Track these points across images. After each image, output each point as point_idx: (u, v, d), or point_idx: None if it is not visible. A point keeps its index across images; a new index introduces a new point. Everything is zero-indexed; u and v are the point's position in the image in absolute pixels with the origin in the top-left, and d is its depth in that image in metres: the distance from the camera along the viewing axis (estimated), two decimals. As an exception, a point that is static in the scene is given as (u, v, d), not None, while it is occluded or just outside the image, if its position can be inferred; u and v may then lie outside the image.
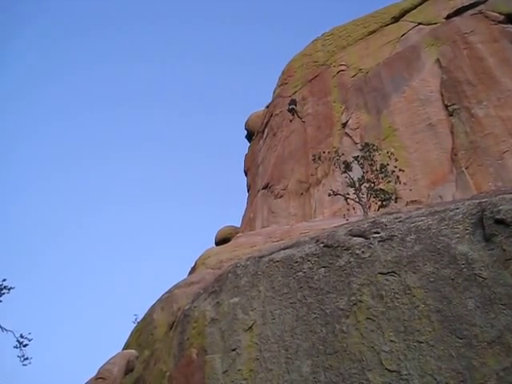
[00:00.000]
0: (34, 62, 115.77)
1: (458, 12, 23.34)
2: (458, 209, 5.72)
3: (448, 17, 23.84)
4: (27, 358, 18.48)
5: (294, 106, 28.08)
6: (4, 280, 18.39)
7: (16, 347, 18.32)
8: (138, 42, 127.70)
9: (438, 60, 22.11)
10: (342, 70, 27.63)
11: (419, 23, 25.70)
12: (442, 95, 20.84)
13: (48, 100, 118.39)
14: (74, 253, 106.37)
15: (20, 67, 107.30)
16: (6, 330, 18.09)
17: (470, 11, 22.70)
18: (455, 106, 20.00)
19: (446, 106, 20.41)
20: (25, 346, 18.37)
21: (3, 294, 18.11)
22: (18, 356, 18.34)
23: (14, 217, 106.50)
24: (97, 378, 14.70)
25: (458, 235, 5.34)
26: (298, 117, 27.62)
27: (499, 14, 21.38)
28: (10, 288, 18.46)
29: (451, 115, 19.98)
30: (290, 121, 28.08)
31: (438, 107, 20.83)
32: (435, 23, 24.47)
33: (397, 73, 23.80)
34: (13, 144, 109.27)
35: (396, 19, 27.81)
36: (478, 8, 22.45)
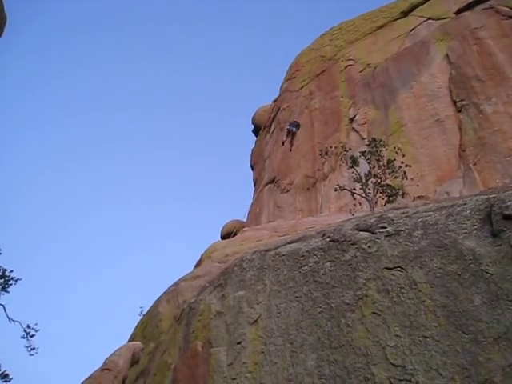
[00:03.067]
0: (33, 62, 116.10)
1: (469, 7, 23.09)
2: (465, 204, 5.69)
3: (458, 11, 23.60)
4: (34, 348, 18.75)
5: (295, 130, 26.13)
6: (11, 271, 18.61)
7: (23, 337, 18.56)
8: (143, 41, 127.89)
9: (446, 55, 21.92)
10: (350, 65, 27.50)
11: (428, 18, 25.48)
12: (451, 91, 20.69)
13: (50, 98, 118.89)
14: (81, 245, 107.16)
15: (18, 67, 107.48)
16: (14, 321, 18.33)
17: (481, 6, 22.43)
18: (464, 102, 19.85)
19: (455, 102, 20.26)
20: (32, 336, 18.61)
21: (10, 285, 18.32)
22: (25, 346, 18.59)
23: (21, 207, 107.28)
24: (102, 369, 14.84)
25: (466, 231, 5.31)
26: (290, 142, 26.48)
27: (510, 8, 21.14)
28: (17, 279, 18.69)
29: (459, 111, 19.84)
30: (282, 143, 26.76)
31: (446, 103, 20.69)
32: (445, 18, 24.25)
33: (405, 68, 23.65)
34: (20, 138, 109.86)
35: (405, 14, 27.59)
36: (489, 3, 22.18)
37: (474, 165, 17.80)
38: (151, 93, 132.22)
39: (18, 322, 18.58)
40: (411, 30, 25.77)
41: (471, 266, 5.02)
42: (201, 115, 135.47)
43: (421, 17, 26.14)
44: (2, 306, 18.17)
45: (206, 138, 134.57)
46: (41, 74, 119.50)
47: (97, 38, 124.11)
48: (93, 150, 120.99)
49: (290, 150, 26.21)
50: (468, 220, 5.41)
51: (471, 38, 21.33)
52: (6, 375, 17.77)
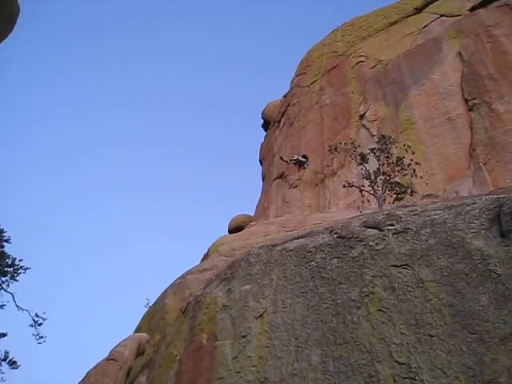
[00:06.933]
0: (35, 58, 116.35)
1: (483, 4, 22.82)
2: (474, 204, 5.66)
3: (472, 9, 23.34)
4: (42, 337, 18.95)
5: (306, 164, 25.27)
6: (20, 260, 18.79)
7: (31, 326, 18.77)
8: (155, 39, 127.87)
9: (459, 53, 21.71)
10: (362, 61, 27.34)
11: (442, 15, 25.22)
12: (463, 89, 20.51)
13: (59, 94, 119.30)
14: (89, 237, 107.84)
15: (21, 63, 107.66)
16: (22, 309, 18.54)
17: (496, 3, 22.15)
18: (475, 101, 19.67)
19: (466, 101, 20.08)
20: (40, 324, 18.82)
21: (19, 273, 18.51)
22: (33, 334, 18.79)
23: (29, 199, 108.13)
24: (108, 359, 14.97)
25: (474, 230, 5.29)
26: (298, 170, 25.85)
27: (525, 6, 20.89)
28: (26, 268, 18.86)
29: (471, 110, 19.66)
30: (287, 162, 26.01)
31: (457, 101, 20.52)
32: (458, 15, 24.00)
33: (417, 65, 23.46)
34: (27, 129, 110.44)
35: (418, 10, 27.34)
36: (504, 0, 21.92)
37: (485, 164, 17.65)
38: (158, 89, 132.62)
39: (26, 310, 18.79)
40: (424, 27, 25.53)
41: (479, 265, 4.99)
42: (210, 112, 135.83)
43: (434, 13, 25.88)
44: (11, 294, 18.37)
45: (215, 134, 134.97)
46: (42, 69, 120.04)
47: (105, 34, 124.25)
48: (109, 146, 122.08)
49: (284, 160, 26.02)
50: (477, 219, 5.38)
51: (485, 36, 21.10)
52: (14, 362, 17.99)
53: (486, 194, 6.24)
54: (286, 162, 25.87)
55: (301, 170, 25.47)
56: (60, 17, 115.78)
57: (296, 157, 25.32)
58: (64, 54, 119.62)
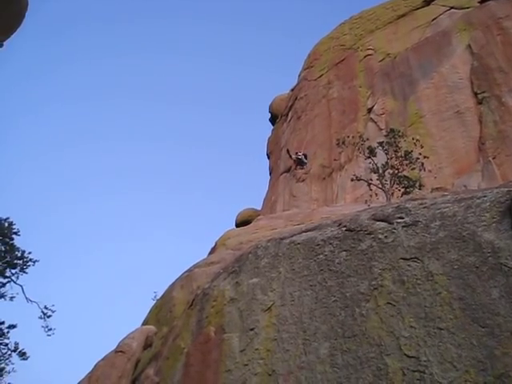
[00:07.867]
0: (34, 54, 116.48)
1: (493, -4, 22.56)
2: (485, 196, 5.59)
3: (482, 1, 23.07)
4: (51, 329, 19.12)
5: (305, 165, 25.38)
6: (29, 253, 18.93)
7: (40, 318, 18.95)
8: (158, 37, 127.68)
9: (469, 46, 21.50)
10: (370, 55, 27.16)
11: (451, 7, 24.96)
12: (472, 82, 20.32)
13: (64, 88, 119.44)
14: (98, 230, 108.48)
15: (20, 58, 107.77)
16: (31, 301, 18.70)
17: (506, -5, 21.91)
18: (485, 94, 19.49)
19: (476, 94, 19.91)
20: (49, 316, 18.99)
21: (29, 266, 18.66)
22: (43, 326, 18.97)
23: (46, 188, 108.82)
24: (116, 351, 15.06)
25: (485, 223, 5.23)
26: (295, 168, 25.96)
27: (537, -2, 20.62)
28: (35, 261, 19.02)
29: (480, 103, 19.49)
30: (290, 156, 26.25)
31: (466, 95, 20.35)
32: (468, 7, 23.74)
33: (426, 58, 23.27)
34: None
35: (427, 3, 27.06)
36: (515, -8, 21.66)
37: (494, 158, 17.51)
38: (166, 84, 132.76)
39: (35, 302, 18.95)
40: (433, 20, 25.28)
41: (489, 258, 4.94)
42: (217, 106, 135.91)
43: (443, 6, 25.61)
44: (21, 286, 18.53)
45: (223, 128, 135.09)
46: (40, 64, 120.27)
47: (108, 31, 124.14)
48: (124, 141, 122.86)
49: (289, 154, 26.12)
50: (487, 212, 5.32)
51: (495, 28, 20.87)
52: (24, 353, 18.18)
53: (496, 187, 6.16)
54: (291, 156, 25.88)
55: (298, 169, 25.58)
56: (59, 15, 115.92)
57: (301, 156, 25.29)
58: (63, 51, 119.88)
